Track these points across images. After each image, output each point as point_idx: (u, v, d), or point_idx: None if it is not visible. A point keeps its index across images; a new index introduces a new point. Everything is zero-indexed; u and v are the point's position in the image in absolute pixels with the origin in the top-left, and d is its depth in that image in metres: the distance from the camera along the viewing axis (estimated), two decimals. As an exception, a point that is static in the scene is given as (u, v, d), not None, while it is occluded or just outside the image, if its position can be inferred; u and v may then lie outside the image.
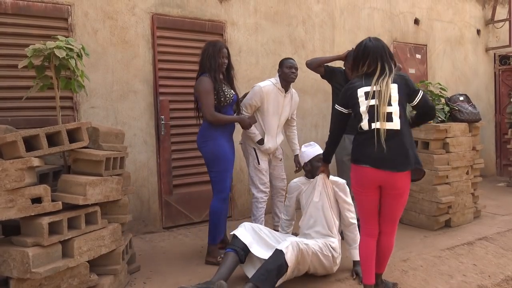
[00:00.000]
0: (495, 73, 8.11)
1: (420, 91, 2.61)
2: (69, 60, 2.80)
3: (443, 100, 4.92)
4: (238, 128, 3.77)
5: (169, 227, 4.52)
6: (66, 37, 2.91)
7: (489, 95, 8.04)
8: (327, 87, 5.70)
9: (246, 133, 3.76)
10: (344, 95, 2.67)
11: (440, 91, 4.98)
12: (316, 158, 3.29)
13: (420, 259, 3.56)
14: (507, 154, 7.43)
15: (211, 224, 3.49)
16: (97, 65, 4.08)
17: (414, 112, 2.77)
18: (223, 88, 3.44)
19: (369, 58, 2.57)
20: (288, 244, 2.81)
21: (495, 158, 8.10)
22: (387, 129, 2.44)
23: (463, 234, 4.22)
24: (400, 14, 6.59)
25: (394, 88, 2.49)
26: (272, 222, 4.03)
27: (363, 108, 2.51)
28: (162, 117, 4.42)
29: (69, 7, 3.94)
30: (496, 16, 7.89)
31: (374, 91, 2.48)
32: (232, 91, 3.55)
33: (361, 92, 2.54)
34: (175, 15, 4.52)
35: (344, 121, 2.76)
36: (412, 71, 6.66)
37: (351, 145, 2.73)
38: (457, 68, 7.45)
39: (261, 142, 3.74)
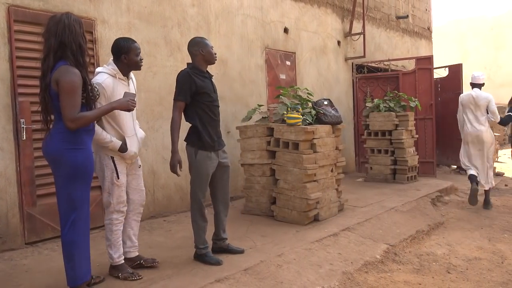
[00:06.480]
0: (353, 80, 9.08)
1: None
2: None
3: (310, 104, 5.34)
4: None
5: (33, 242, 4.08)
6: None
7: (349, 100, 8.97)
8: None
9: (99, 144, 3.07)
10: None
11: (307, 96, 5.41)
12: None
13: (293, 253, 3.80)
14: (364, 152, 8.36)
15: (69, 259, 2.82)
16: None
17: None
18: (92, 82, 2.88)
19: None
20: None
21: (354, 156, 9.07)
22: None
23: (329, 227, 4.63)
24: (271, 23, 6.97)
25: None
26: (123, 248, 3.30)
27: None
28: (22, 120, 3.98)
29: None
30: (353, 29, 8.85)
31: None
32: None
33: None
34: (36, 8, 4.11)
35: None
36: (283, 76, 7.10)
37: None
38: (322, 75, 8.16)
39: (123, 149, 3.10)
